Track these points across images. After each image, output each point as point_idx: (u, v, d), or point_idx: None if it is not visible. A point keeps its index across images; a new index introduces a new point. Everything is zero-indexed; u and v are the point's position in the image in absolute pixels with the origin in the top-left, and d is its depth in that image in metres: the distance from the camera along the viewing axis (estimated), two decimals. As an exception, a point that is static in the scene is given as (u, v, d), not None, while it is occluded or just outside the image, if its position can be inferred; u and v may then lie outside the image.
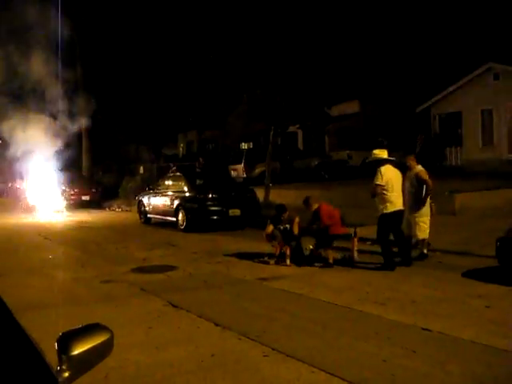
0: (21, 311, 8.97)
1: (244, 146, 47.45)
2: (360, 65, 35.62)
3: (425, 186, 12.89)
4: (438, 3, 35.63)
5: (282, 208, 13.81)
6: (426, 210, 13.04)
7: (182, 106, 43.44)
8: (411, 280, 10.99)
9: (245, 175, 31.24)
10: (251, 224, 19.84)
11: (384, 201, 11.99)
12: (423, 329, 7.71)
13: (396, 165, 12.65)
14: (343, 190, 23.46)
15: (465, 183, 21.70)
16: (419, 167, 13.35)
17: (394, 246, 12.53)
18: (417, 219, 12.96)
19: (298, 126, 40.01)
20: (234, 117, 45.80)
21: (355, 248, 13.12)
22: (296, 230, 13.26)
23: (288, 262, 12.99)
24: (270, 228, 13.44)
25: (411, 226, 13.05)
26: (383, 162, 12.38)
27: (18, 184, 34.74)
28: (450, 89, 32.80)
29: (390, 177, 12.17)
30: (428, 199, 13.01)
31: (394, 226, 12.19)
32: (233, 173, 31.20)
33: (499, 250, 10.58)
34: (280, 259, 13.15)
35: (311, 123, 32.41)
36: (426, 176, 12.98)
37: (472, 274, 10.96)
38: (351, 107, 41.35)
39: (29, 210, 29.35)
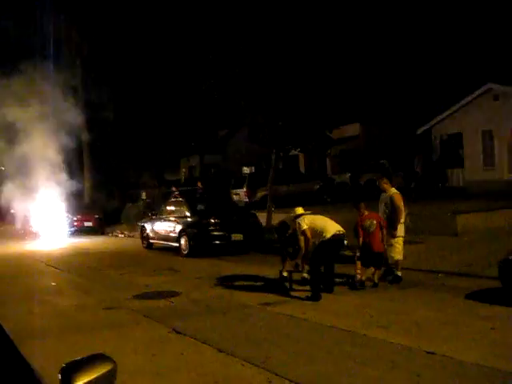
0: (23, 339, 8.97)
1: (246, 170, 47.49)
2: (360, 88, 35.77)
3: (396, 210, 12.92)
4: (437, 25, 35.88)
5: (284, 226, 13.80)
6: (400, 231, 13.04)
7: (184, 131, 43.59)
8: (414, 303, 10.96)
9: (247, 199, 31.24)
10: (254, 248, 19.86)
11: (319, 234, 12.05)
12: (427, 352, 7.67)
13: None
14: (346, 213, 23.42)
15: (467, 204, 21.70)
16: (393, 190, 13.40)
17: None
18: (391, 241, 12.98)
19: (299, 149, 40.13)
20: (235, 141, 45.94)
21: (358, 271, 13.10)
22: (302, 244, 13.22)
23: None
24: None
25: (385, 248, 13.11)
26: (299, 216, 12.57)
27: (21, 211, 34.76)
28: (451, 110, 32.88)
29: (309, 219, 12.41)
30: (402, 220, 13.04)
31: (333, 252, 12.20)
32: (235, 197, 31.21)
33: (502, 272, 10.58)
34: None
35: (312, 147, 32.33)
36: (399, 202, 13.00)
37: (475, 296, 10.93)
38: (352, 130, 41.42)
39: (31, 236, 29.37)
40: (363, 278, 12.73)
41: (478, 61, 34.60)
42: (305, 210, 13.25)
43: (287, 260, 13.58)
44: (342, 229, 12.31)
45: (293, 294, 12.37)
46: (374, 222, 12.86)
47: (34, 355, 7.43)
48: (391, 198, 13.07)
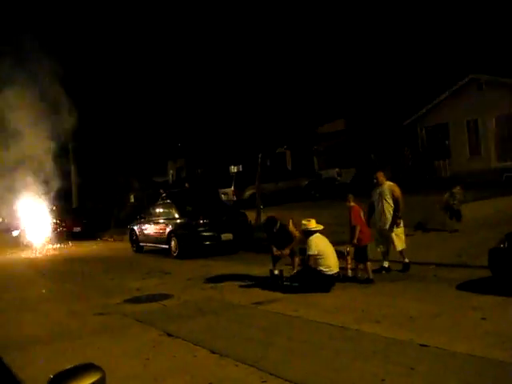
0: (13, 348, 8.95)
1: (233, 168, 47.46)
2: (344, 83, 35.80)
3: (398, 201, 13.23)
4: (420, 17, 35.95)
5: (271, 222, 13.79)
6: (401, 221, 13.32)
7: (171, 132, 43.49)
8: (406, 295, 10.97)
9: (235, 198, 31.18)
10: (244, 248, 19.83)
11: (321, 265, 12.04)
12: (420, 345, 7.67)
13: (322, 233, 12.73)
14: (334, 209, 23.43)
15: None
16: (389, 182, 13.69)
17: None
18: (395, 231, 13.26)
19: (285, 146, 40.15)
20: (223, 140, 45.88)
21: (349, 266, 13.13)
22: (294, 231, 13.27)
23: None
24: (273, 247, 13.57)
25: (388, 239, 13.33)
26: (312, 232, 12.41)
27: (8, 219, 34.61)
28: (435, 101, 33.00)
29: (320, 244, 12.25)
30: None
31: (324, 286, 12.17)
32: (223, 196, 31.15)
33: (492, 261, 10.60)
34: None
35: (299, 144, 32.52)
36: (399, 193, 13.32)
37: (466, 286, 10.95)
38: (337, 125, 41.43)
39: (20, 244, 29.23)
40: (358, 274, 12.82)
41: (461, 51, 34.68)
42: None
43: (276, 259, 13.59)
44: (338, 268, 12.31)
45: (283, 292, 12.36)
46: (362, 213, 13.01)
47: (24, 364, 7.40)
48: (391, 190, 13.32)
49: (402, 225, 13.36)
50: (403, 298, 10.77)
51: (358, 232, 12.82)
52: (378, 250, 13.62)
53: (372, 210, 13.75)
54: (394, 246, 13.33)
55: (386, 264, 13.45)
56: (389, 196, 13.32)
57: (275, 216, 14.07)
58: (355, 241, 12.80)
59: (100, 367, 2.77)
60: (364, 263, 12.79)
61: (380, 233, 13.54)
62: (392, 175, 14.16)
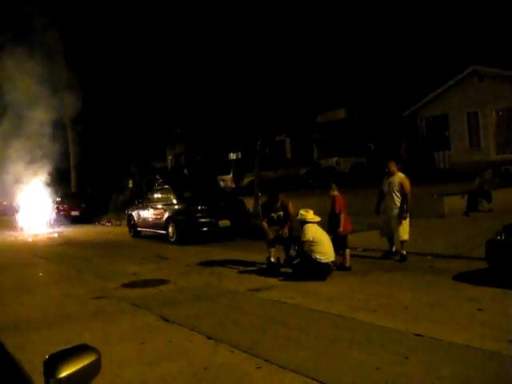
0: (10, 330, 8.97)
1: (232, 155, 47.45)
2: (345, 72, 35.69)
3: (406, 196, 13.33)
4: (421, 8, 35.79)
5: (274, 197, 13.79)
6: (407, 213, 13.44)
7: (170, 118, 43.40)
8: (402, 285, 10.99)
9: (234, 185, 31.21)
10: (241, 234, 19.86)
11: (316, 252, 12.05)
12: (415, 334, 7.69)
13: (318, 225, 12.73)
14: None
15: (453, 186, 21.79)
16: (400, 174, 13.71)
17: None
18: (402, 221, 13.38)
19: (284, 134, 40.10)
20: (222, 127, 45.81)
21: (347, 255, 13.16)
22: (292, 212, 13.32)
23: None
24: (265, 223, 13.56)
25: (393, 228, 13.49)
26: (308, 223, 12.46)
27: (7, 201, 34.64)
28: (436, 92, 32.95)
29: (316, 231, 12.30)
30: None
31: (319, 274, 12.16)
32: (222, 183, 31.19)
33: (489, 252, 10.63)
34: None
35: (298, 131, 32.42)
36: (408, 186, 13.42)
37: (463, 277, 10.97)
38: (338, 114, 41.40)
39: (17, 226, 29.25)
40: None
41: (463, 43, 34.57)
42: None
43: (272, 245, 13.58)
44: (333, 256, 12.33)
45: (280, 279, 12.39)
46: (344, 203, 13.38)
47: (21, 346, 7.42)
48: (401, 183, 13.39)
49: (407, 215, 13.41)
50: (400, 288, 10.78)
51: (342, 220, 12.98)
52: (383, 237, 13.93)
53: (381, 198, 13.88)
54: (399, 236, 13.40)
55: (393, 248, 13.61)
56: (397, 188, 13.39)
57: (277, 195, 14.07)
58: (341, 229, 12.89)
59: (95, 348, 2.78)
60: (343, 250, 12.97)
61: (386, 222, 13.66)
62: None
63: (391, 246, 13.82)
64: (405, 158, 32.04)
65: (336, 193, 13.39)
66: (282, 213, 13.55)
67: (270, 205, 13.75)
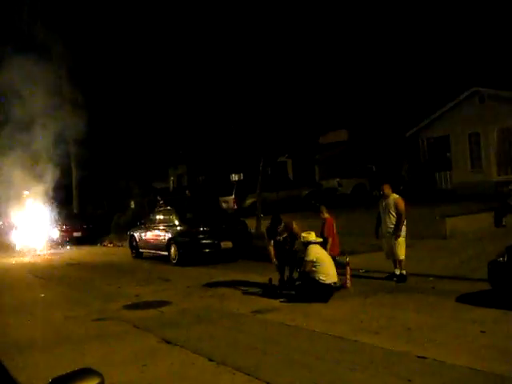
0: (12, 352, 8.94)
1: (234, 177, 47.44)
2: (347, 94, 35.86)
3: (401, 215, 13.56)
4: (423, 30, 36.00)
5: (276, 219, 13.81)
6: (403, 232, 13.62)
7: (172, 139, 43.51)
8: (405, 307, 10.95)
9: (236, 207, 31.19)
10: (243, 256, 19.83)
11: (319, 273, 12.06)
12: (418, 357, 7.66)
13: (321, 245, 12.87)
14: (334, 219, 23.43)
15: (455, 207, 21.77)
16: (395, 195, 14.01)
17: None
18: (398, 241, 13.54)
19: (286, 155, 40.16)
20: (224, 148, 45.88)
21: (348, 276, 13.14)
22: (299, 232, 13.29)
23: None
24: (272, 244, 13.58)
25: (392, 248, 13.62)
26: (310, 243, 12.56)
27: (8, 222, 34.59)
28: (438, 113, 33.02)
29: (319, 252, 12.38)
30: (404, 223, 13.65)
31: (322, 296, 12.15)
32: (224, 204, 31.16)
33: (491, 274, 10.60)
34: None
35: (300, 153, 32.48)
36: (403, 206, 13.65)
37: (465, 299, 10.94)
38: (339, 136, 41.49)
39: (19, 248, 29.21)
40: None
41: (464, 64, 34.73)
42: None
43: (279, 269, 13.60)
44: (336, 277, 12.35)
45: (282, 301, 12.36)
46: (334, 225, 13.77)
47: (22, 368, 7.40)
48: (396, 203, 13.63)
49: (404, 234, 13.59)
50: (402, 309, 10.74)
51: (330, 244, 13.47)
52: (389, 260, 14.01)
53: (379, 222, 14.15)
54: (397, 255, 13.54)
55: (397, 271, 13.63)
56: (393, 209, 13.64)
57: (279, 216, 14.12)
58: (328, 252, 13.05)
59: (98, 372, 2.77)
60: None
61: (388, 244, 13.80)
62: (392, 187, 14.35)
63: (395, 267, 13.85)
64: (407, 180, 32.09)
65: (326, 215, 13.71)
66: (286, 235, 13.59)
67: (273, 227, 13.77)
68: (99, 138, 37.43)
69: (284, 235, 13.59)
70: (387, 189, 14.01)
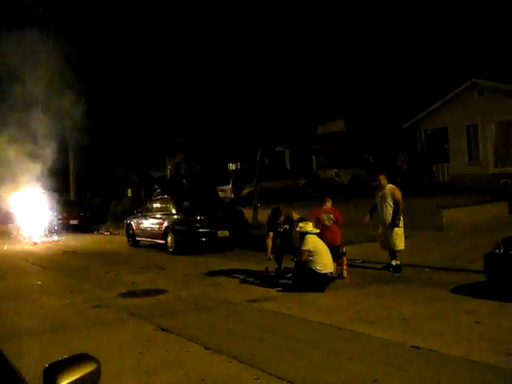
0: (8, 339, 8.96)
1: (232, 166, 47.46)
2: (345, 84, 35.80)
3: (398, 204, 13.54)
4: (421, 20, 35.94)
5: (277, 211, 13.83)
6: (401, 222, 13.65)
7: (170, 127, 43.45)
8: (401, 297, 10.99)
9: (233, 196, 31.20)
10: (240, 245, 19.85)
11: (316, 262, 12.09)
12: (413, 347, 7.70)
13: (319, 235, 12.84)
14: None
15: (452, 199, 21.82)
16: (391, 185, 14.02)
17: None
18: (395, 231, 13.52)
19: (284, 145, 40.15)
20: (221, 137, 45.88)
21: (344, 266, 13.19)
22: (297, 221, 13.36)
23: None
24: (271, 237, 13.55)
25: (389, 239, 13.62)
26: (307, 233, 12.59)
27: (4, 209, 34.54)
28: (436, 105, 32.98)
29: (316, 242, 12.40)
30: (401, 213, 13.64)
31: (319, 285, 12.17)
32: (221, 194, 31.17)
33: (487, 266, 10.63)
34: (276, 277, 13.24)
35: (298, 142, 32.45)
36: (400, 195, 13.63)
37: (461, 290, 10.98)
38: (337, 126, 41.50)
39: (16, 235, 29.18)
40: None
41: (463, 56, 34.69)
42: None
43: (277, 259, 13.62)
44: (332, 267, 12.39)
45: (279, 290, 12.40)
46: (331, 216, 13.40)
47: (19, 355, 7.41)
48: (392, 193, 13.63)
49: (401, 225, 13.61)
50: (398, 300, 10.78)
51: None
52: (384, 250, 14.01)
53: (374, 209, 14.13)
54: (394, 245, 13.53)
55: (393, 262, 13.65)
56: (390, 199, 13.61)
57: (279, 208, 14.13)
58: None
59: (95, 358, 2.79)
60: (338, 260, 13.22)
61: (383, 234, 13.82)
62: (389, 178, 14.37)
63: (391, 258, 13.87)
64: (404, 170, 32.09)
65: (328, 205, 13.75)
66: (287, 226, 13.61)
67: (274, 219, 13.76)
68: (97, 126, 37.35)
69: (284, 226, 13.61)
70: (383, 179, 13.99)
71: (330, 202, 13.92)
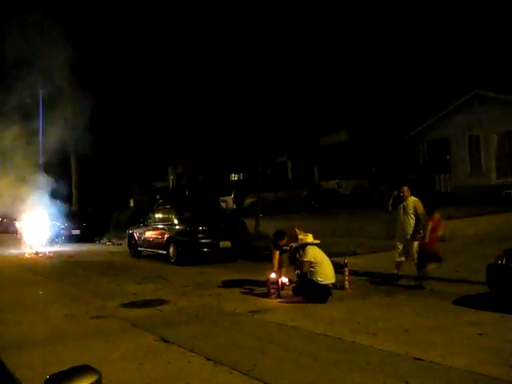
0: (9, 349, 8.93)
1: (234, 176, 47.48)
2: (347, 95, 35.88)
3: (420, 216, 13.71)
4: (424, 32, 36.04)
5: (278, 234, 13.76)
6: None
7: (172, 138, 43.53)
8: (403, 309, 10.97)
9: (235, 206, 31.22)
10: (242, 256, 19.83)
11: (317, 273, 12.08)
12: (415, 358, 7.66)
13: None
14: (333, 220, 23.46)
15: (454, 210, 21.77)
16: (414, 197, 14.08)
17: None
18: (415, 243, 13.68)
19: (286, 156, 40.18)
20: (224, 148, 45.93)
21: (346, 277, 13.17)
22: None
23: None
24: (277, 257, 13.51)
25: (409, 251, 13.75)
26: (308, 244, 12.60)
27: (7, 219, 34.57)
28: (438, 116, 33.04)
29: (317, 253, 12.42)
30: None
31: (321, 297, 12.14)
32: (223, 204, 31.18)
33: (490, 277, 10.61)
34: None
35: (300, 153, 32.47)
36: (421, 208, 13.77)
37: (463, 302, 10.95)
38: (339, 137, 41.49)
39: (18, 244, 29.18)
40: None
41: (465, 67, 34.78)
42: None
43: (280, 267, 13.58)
44: (334, 278, 12.37)
45: (280, 301, 12.37)
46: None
47: (20, 365, 7.39)
48: (415, 206, 13.79)
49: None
50: (400, 311, 10.76)
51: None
52: (398, 259, 13.92)
53: (395, 201, 14.25)
54: (414, 258, 13.61)
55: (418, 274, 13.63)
56: (412, 211, 13.73)
57: (283, 230, 14.01)
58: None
59: (96, 369, 2.77)
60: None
61: (402, 244, 13.88)
62: (393, 188, 14.49)
63: (397, 269, 13.86)
64: (407, 180, 32.09)
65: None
66: (293, 244, 13.51)
67: (275, 242, 13.68)
68: (100, 137, 37.43)
69: (291, 244, 13.42)
70: (407, 191, 14.11)
71: (439, 214, 14.38)
